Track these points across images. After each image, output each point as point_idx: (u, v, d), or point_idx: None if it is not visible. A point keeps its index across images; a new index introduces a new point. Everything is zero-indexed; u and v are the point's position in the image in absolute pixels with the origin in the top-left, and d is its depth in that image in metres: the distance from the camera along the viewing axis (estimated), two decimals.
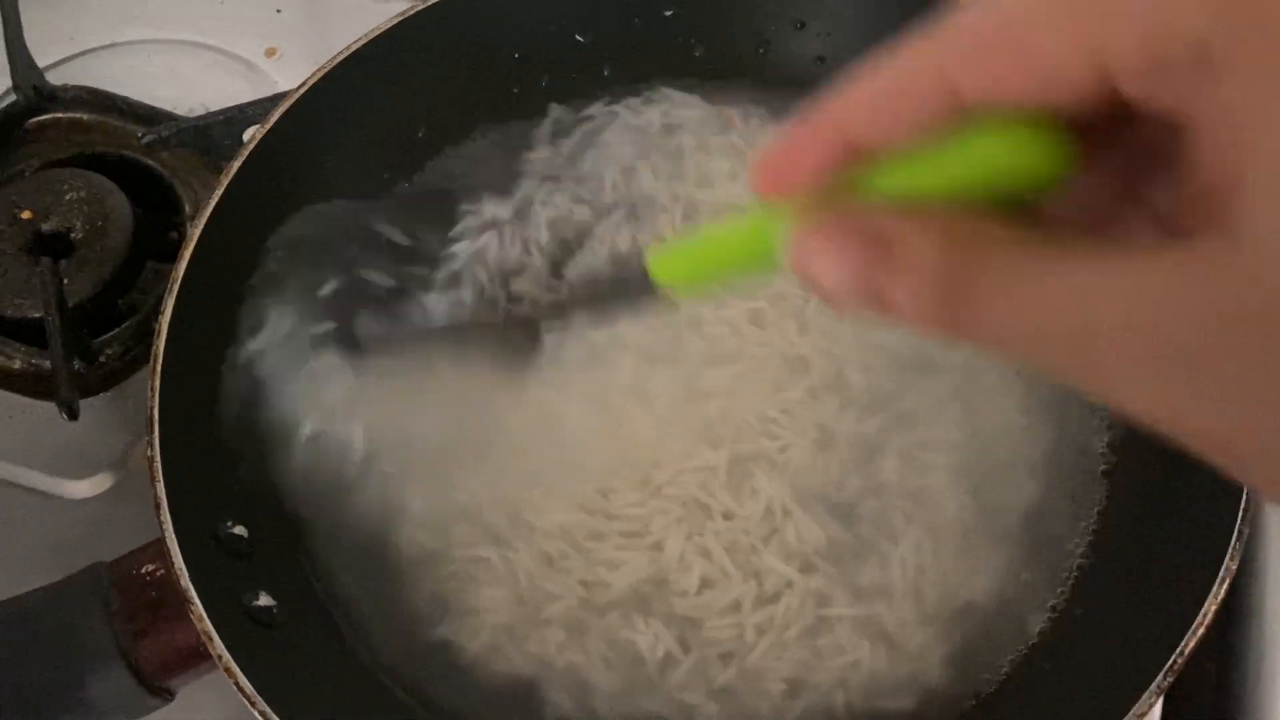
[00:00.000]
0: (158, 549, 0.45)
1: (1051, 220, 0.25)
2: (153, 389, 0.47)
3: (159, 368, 0.48)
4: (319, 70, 0.55)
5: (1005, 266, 0.22)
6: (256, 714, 0.41)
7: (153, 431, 0.47)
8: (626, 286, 0.32)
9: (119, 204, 0.65)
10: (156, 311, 0.49)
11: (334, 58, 0.56)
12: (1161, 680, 0.41)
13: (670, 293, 0.31)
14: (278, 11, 0.77)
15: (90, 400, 0.61)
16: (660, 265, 0.30)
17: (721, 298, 0.34)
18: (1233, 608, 0.54)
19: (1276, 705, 0.49)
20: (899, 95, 0.23)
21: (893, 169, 0.23)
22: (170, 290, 0.50)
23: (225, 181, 0.52)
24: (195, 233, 0.51)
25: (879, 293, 0.23)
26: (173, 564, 0.44)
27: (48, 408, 0.59)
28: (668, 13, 0.63)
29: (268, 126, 0.54)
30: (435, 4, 0.58)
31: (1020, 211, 0.23)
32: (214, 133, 0.63)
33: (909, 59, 0.23)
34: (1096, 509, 0.51)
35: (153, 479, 0.46)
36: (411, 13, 0.57)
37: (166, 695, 0.46)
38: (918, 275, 0.22)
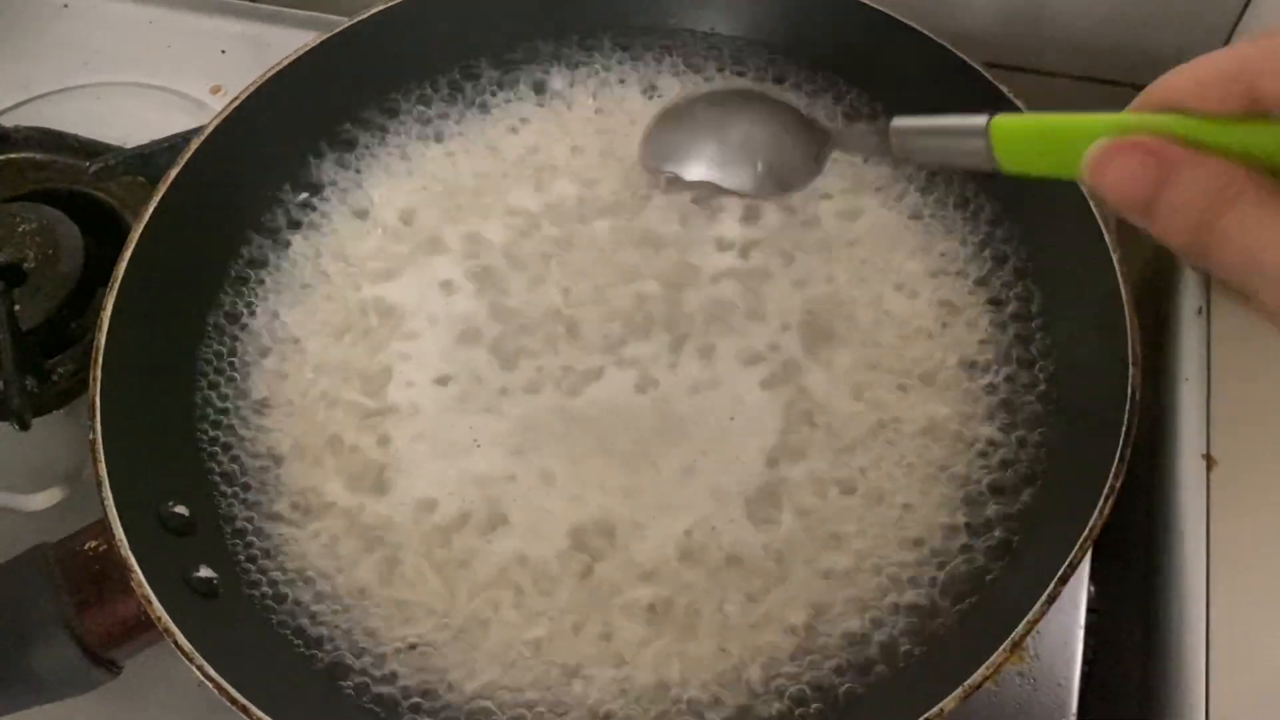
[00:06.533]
0: (101, 527, 0.47)
1: None
2: (94, 378, 0.50)
3: (100, 359, 0.50)
4: (252, 84, 0.59)
5: (1253, 209, 0.28)
6: (195, 670, 0.43)
7: (94, 417, 0.49)
8: (961, 135, 0.39)
9: (70, 234, 0.67)
10: None
11: (265, 73, 0.59)
12: (1053, 589, 0.43)
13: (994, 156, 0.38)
14: (222, 52, 0.80)
15: (44, 418, 0.63)
16: (1001, 127, 0.38)
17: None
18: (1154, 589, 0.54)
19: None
20: (1212, 84, 0.30)
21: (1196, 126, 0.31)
22: (111, 288, 0.52)
23: (163, 189, 0.55)
24: (135, 235, 0.54)
25: (1148, 202, 0.30)
26: (114, 537, 0.46)
27: (2, 426, 0.61)
28: None
29: (203, 137, 0.57)
30: (359, 22, 0.61)
31: None
32: (159, 160, 0.66)
33: (1225, 60, 0.30)
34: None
35: (95, 460, 0.48)
36: (337, 30, 0.61)
37: (112, 667, 0.47)
38: (1185, 195, 0.29)
